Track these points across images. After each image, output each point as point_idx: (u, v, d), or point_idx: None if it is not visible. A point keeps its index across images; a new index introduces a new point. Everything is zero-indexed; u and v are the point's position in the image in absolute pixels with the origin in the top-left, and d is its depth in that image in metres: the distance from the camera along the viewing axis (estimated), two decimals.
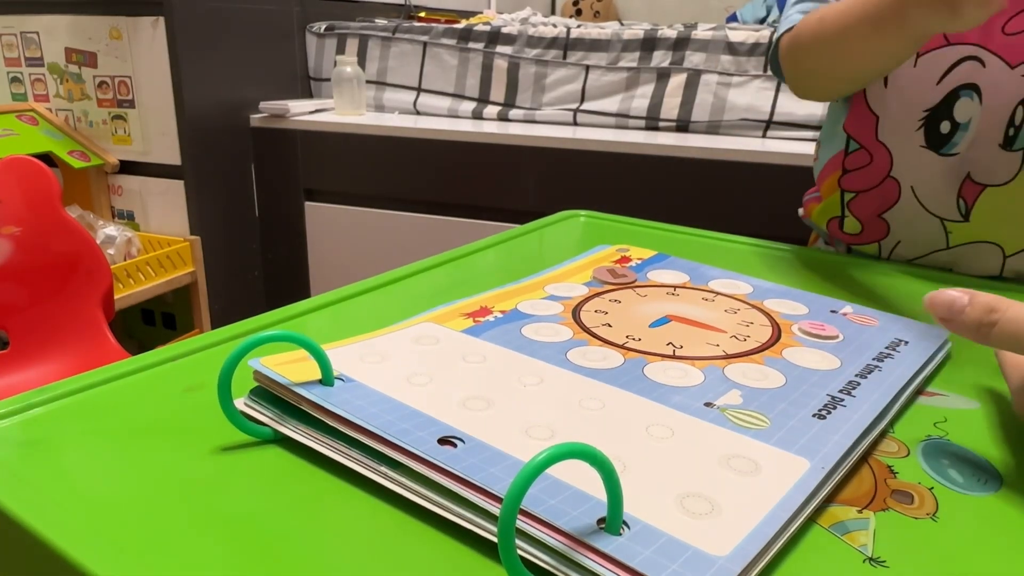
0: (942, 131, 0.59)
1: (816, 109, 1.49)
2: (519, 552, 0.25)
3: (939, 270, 0.63)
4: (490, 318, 0.43)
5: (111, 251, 1.55)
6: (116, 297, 1.35)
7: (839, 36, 0.57)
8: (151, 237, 1.68)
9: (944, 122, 0.58)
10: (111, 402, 0.37)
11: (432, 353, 0.38)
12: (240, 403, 0.34)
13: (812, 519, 0.29)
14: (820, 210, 0.70)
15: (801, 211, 0.76)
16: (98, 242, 1.35)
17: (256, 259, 1.85)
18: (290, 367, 0.34)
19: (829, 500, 0.30)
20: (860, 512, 0.30)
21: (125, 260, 1.56)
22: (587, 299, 0.47)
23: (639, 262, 0.55)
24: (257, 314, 0.47)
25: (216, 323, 1.74)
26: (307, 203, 1.77)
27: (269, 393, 0.34)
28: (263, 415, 0.33)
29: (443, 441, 0.30)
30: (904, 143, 0.61)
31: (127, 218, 1.74)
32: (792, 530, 0.27)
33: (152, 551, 0.26)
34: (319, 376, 0.33)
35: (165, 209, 1.69)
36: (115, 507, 0.29)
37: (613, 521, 0.25)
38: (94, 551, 0.26)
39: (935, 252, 0.63)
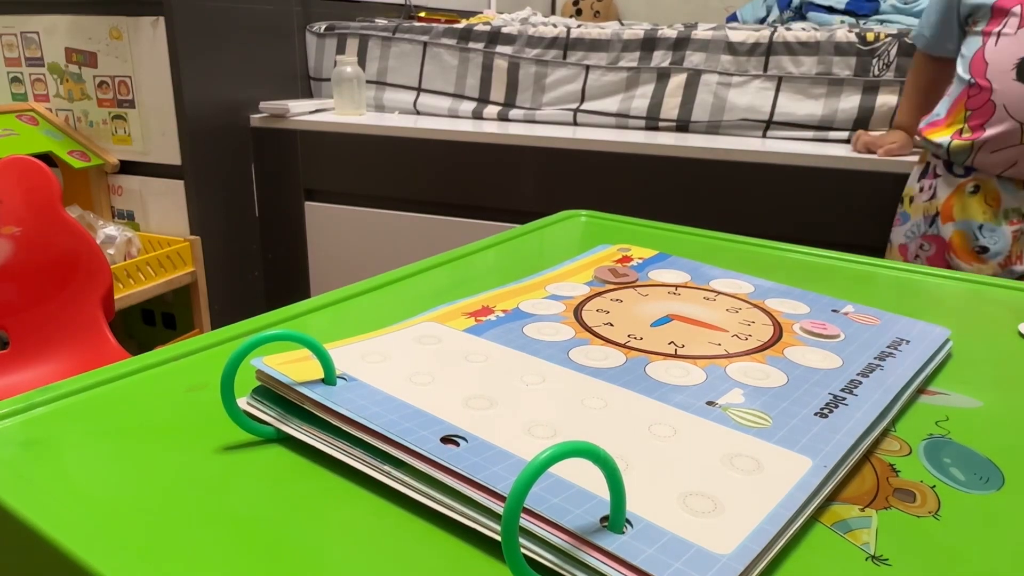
0: None
1: (815, 109, 1.49)
2: (522, 550, 0.25)
3: (1007, 164, 1.05)
4: (492, 317, 0.43)
5: (111, 251, 1.55)
6: (116, 297, 1.35)
7: None
8: (151, 237, 1.68)
9: None
10: (113, 402, 0.37)
11: (434, 352, 0.38)
12: (243, 402, 0.34)
13: (814, 517, 0.29)
14: (946, 126, 1.11)
15: (918, 138, 1.17)
16: (98, 242, 1.35)
17: (256, 259, 1.85)
18: (293, 366, 0.34)
19: (831, 499, 0.30)
20: (862, 510, 0.30)
21: (125, 260, 1.56)
22: (589, 298, 0.47)
23: (640, 262, 0.55)
24: (257, 314, 0.47)
25: (216, 323, 1.74)
26: (307, 203, 1.77)
27: (271, 392, 0.34)
28: (266, 414, 0.33)
29: (446, 440, 0.30)
30: (1003, 78, 1.01)
31: (127, 218, 1.74)
32: (794, 528, 0.27)
33: (156, 550, 0.26)
34: (321, 375, 0.33)
35: (165, 209, 1.69)
36: (118, 506, 0.29)
37: (616, 519, 0.25)
38: (98, 550, 0.26)
39: (1008, 148, 1.03)
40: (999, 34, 1.02)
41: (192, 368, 0.40)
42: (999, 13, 1.03)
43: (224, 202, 1.74)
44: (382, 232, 1.70)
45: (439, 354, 0.38)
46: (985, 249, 1.08)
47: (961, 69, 1.08)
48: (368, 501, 0.29)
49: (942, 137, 1.10)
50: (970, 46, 1.07)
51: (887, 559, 0.27)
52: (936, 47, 1.18)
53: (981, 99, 1.04)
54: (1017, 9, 1.01)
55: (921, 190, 1.16)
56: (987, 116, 1.04)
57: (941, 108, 1.13)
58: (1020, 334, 0.48)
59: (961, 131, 1.07)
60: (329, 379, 0.33)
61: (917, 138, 1.15)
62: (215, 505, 0.29)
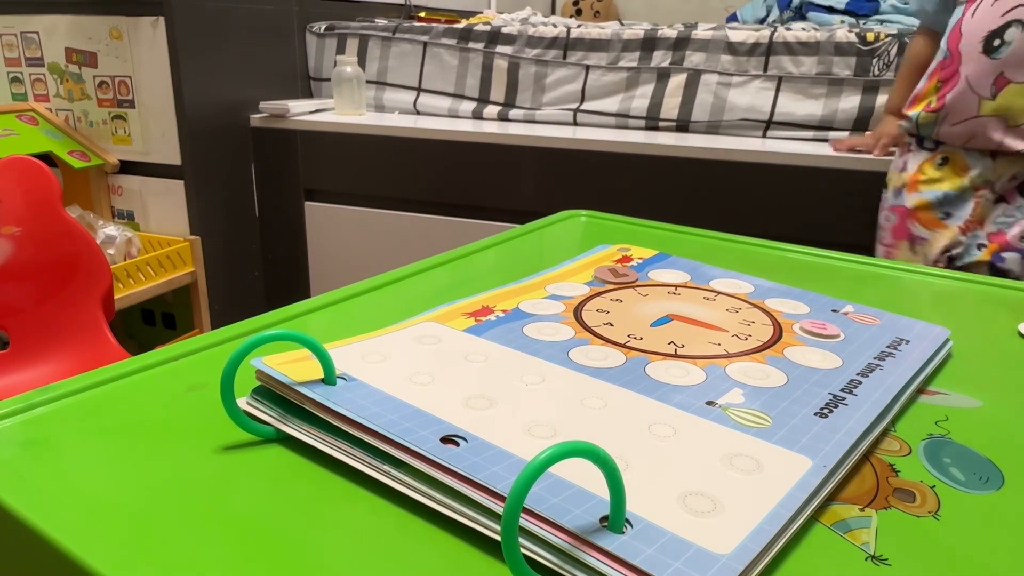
0: (994, 44, 0.98)
1: (815, 109, 1.49)
2: (522, 550, 0.25)
3: (965, 137, 1.05)
4: (492, 317, 0.43)
5: (111, 251, 1.55)
6: (116, 297, 1.35)
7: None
8: (151, 237, 1.68)
9: (996, 39, 0.98)
10: (113, 402, 0.37)
11: (434, 352, 0.38)
12: (242, 402, 0.34)
13: (814, 517, 0.29)
14: (921, 99, 1.10)
15: (902, 123, 1.14)
16: (98, 242, 1.35)
17: (256, 259, 1.85)
18: (292, 366, 0.34)
19: (831, 498, 0.30)
20: (862, 510, 0.30)
21: (125, 260, 1.56)
22: (588, 298, 0.47)
23: (640, 261, 0.55)
24: (257, 314, 0.47)
25: (216, 323, 1.74)
26: (307, 203, 1.77)
27: (271, 392, 0.34)
28: (266, 414, 0.33)
29: (446, 440, 0.30)
30: (971, 50, 1.01)
31: (127, 218, 1.74)
32: (794, 528, 0.27)
33: (155, 550, 0.26)
34: (321, 375, 0.33)
35: (165, 209, 1.69)
36: (118, 506, 0.29)
37: (616, 519, 0.25)
38: (98, 550, 0.26)
39: (967, 120, 1.02)
40: (977, 5, 1.02)
41: (192, 368, 0.40)
42: None
43: (224, 202, 1.74)
44: (382, 232, 1.70)
45: (439, 354, 0.38)
46: (948, 215, 1.08)
47: (943, 41, 1.08)
48: (368, 501, 0.29)
49: (914, 111, 1.10)
50: (954, 17, 1.07)
51: (887, 559, 0.27)
52: (938, 22, 1.17)
53: (951, 70, 1.04)
54: None
55: (896, 168, 1.16)
56: (951, 87, 1.04)
57: (921, 82, 1.13)
58: (1020, 334, 0.48)
59: (930, 103, 1.07)
60: (329, 379, 0.33)
61: (902, 123, 1.14)
62: (215, 505, 0.29)
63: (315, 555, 0.26)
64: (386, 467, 0.30)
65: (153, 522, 0.28)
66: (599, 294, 0.48)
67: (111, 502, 0.29)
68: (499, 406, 0.33)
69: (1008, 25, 0.96)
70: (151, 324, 1.82)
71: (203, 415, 0.35)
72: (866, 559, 0.27)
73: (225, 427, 0.32)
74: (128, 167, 1.70)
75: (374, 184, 1.69)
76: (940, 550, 0.28)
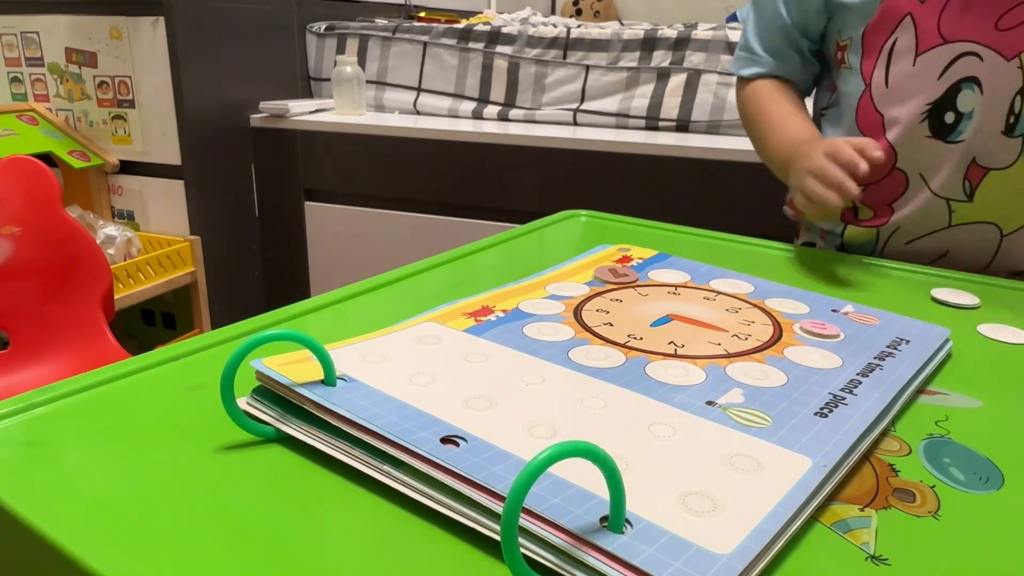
0: (947, 121, 0.63)
1: None
2: (522, 550, 0.25)
3: (934, 255, 0.68)
4: (492, 317, 0.43)
5: (111, 251, 1.55)
6: (116, 297, 1.34)
7: (759, 147, 0.78)
8: (151, 237, 1.68)
9: (948, 113, 0.63)
10: (113, 402, 0.37)
11: (434, 353, 0.38)
12: (242, 402, 0.34)
13: (814, 517, 0.29)
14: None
15: (789, 210, 0.75)
16: (98, 242, 1.35)
17: (256, 259, 1.85)
18: (292, 367, 0.34)
19: (831, 498, 0.30)
20: (862, 510, 0.30)
21: (125, 260, 1.56)
22: (588, 298, 0.47)
23: (640, 262, 0.55)
24: (257, 314, 0.47)
25: (216, 323, 1.74)
26: (307, 203, 1.76)
27: (271, 392, 0.34)
28: (265, 414, 0.33)
29: (446, 440, 0.30)
30: (909, 136, 0.64)
31: (127, 218, 1.74)
32: (794, 528, 0.27)
33: (156, 549, 0.26)
34: (321, 376, 0.33)
35: (165, 209, 1.69)
36: (118, 506, 0.29)
37: (616, 519, 0.25)
38: (98, 550, 0.26)
39: (934, 232, 0.67)
40: (887, 65, 0.66)
41: (192, 368, 0.40)
42: None
43: (224, 202, 1.74)
44: (382, 232, 1.70)
45: (439, 354, 0.38)
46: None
47: (847, 120, 0.73)
48: (368, 501, 0.29)
49: (831, 225, 0.74)
50: (850, 86, 0.71)
51: (887, 559, 0.27)
52: (789, 73, 0.81)
53: (884, 169, 0.67)
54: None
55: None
56: (897, 196, 0.68)
57: None
58: (933, 299, 0.50)
59: (859, 213, 0.72)
60: (329, 380, 0.33)
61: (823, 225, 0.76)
62: (215, 505, 0.29)
63: (315, 554, 0.26)
64: (386, 467, 0.30)
65: (153, 522, 0.28)
66: (599, 294, 0.48)
67: (111, 502, 0.29)
68: (499, 406, 0.33)
69: (956, 88, 0.62)
70: (151, 324, 1.82)
71: (203, 415, 0.35)
72: (866, 559, 0.27)
73: (225, 427, 0.32)
74: (128, 167, 1.70)
75: (374, 184, 1.69)
76: (940, 550, 0.28)
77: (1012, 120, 0.61)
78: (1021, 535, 0.29)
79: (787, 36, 0.75)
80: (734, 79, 0.81)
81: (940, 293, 0.54)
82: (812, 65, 0.77)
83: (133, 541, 0.27)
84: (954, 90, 0.62)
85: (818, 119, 0.78)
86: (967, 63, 0.61)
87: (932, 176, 0.65)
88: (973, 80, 0.61)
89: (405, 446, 0.29)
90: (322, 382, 0.33)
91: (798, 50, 0.76)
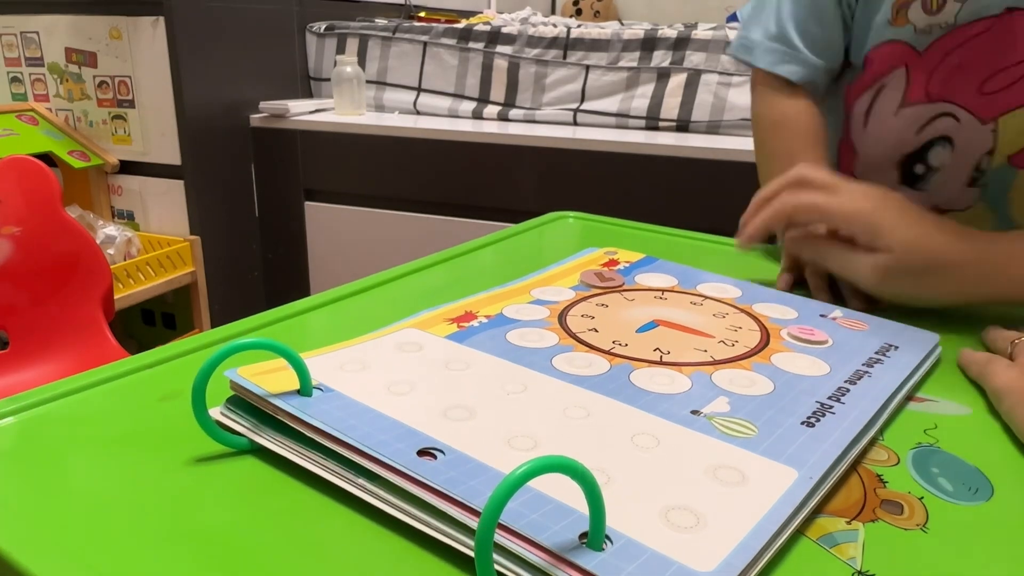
0: (916, 172, 0.66)
1: None
2: (497, 568, 0.24)
3: None
4: (475, 323, 0.43)
5: (111, 251, 1.55)
6: (116, 297, 1.34)
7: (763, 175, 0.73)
8: (151, 237, 1.68)
9: (919, 165, 0.66)
10: (83, 412, 0.36)
11: (414, 360, 0.38)
12: (216, 412, 0.33)
13: (800, 531, 0.28)
14: None
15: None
16: (98, 242, 1.35)
17: (256, 259, 1.85)
18: (268, 377, 0.33)
19: (817, 511, 0.29)
20: (849, 523, 0.29)
21: (125, 260, 1.56)
22: (574, 303, 0.47)
23: (627, 265, 0.55)
24: (257, 314, 0.47)
25: (216, 323, 1.74)
26: (307, 203, 1.76)
27: (246, 401, 0.33)
28: (239, 425, 0.33)
29: (423, 452, 0.29)
30: (879, 179, 0.64)
31: (127, 218, 1.74)
32: (779, 543, 0.27)
33: (118, 566, 0.26)
34: (297, 386, 0.33)
35: (165, 209, 1.69)
36: (83, 520, 0.28)
37: (595, 536, 0.25)
38: (55, 568, 0.25)
39: None
40: (868, 112, 0.69)
41: (167, 376, 0.39)
42: None
43: (224, 202, 1.74)
44: (382, 232, 1.69)
45: (419, 362, 0.37)
46: None
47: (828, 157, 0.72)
48: (342, 515, 0.29)
49: None
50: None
51: (874, 575, 0.26)
52: (813, 82, 0.78)
53: None
54: None
55: None
56: None
57: None
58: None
59: None
60: (305, 390, 0.33)
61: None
62: (185, 519, 0.28)
63: (288, 570, 0.26)
64: (361, 480, 0.29)
65: (117, 537, 0.27)
66: (585, 299, 0.47)
67: (75, 517, 0.28)
68: (479, 416, 0.32)
69: (930, 145, 0.65)
70: (151, 324, 1.82)
71: (177, 425, 0.34)
72: (853, 574, 0.26)
73: (198, 438, 0.32)
74: (128, 167, 1.70)
75: (374, 184, 1.69)
76: (928, 565, 0.27)
77: (975, 175, 0.64)
78: (1010, 548, 0.28)
79: (839, 17, 0.67)
80: (734, 79, 0.77)
81: None
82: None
83: (98, 557, 0.26)
84: (928, 145, 0.65)
85: None
86: (944, 123, 0.63)
87: None
88: (947, 140, 0.64)
89: (380, 459, 0.29)
90: (298, 392, 0.33)
91: (845, 30, 0.68)
